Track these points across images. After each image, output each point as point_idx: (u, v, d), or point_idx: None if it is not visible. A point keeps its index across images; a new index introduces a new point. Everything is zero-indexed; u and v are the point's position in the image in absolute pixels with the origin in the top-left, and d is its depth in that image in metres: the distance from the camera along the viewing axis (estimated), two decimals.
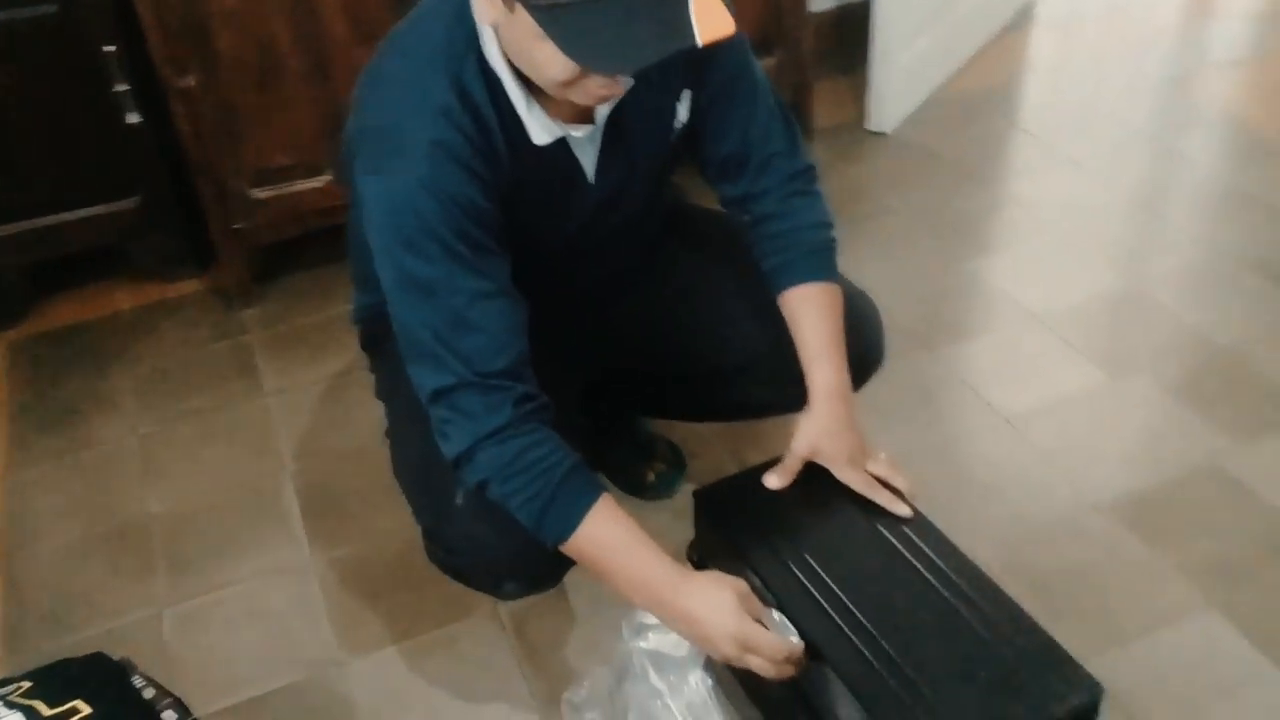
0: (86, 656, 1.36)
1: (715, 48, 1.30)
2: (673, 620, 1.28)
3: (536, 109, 1.28)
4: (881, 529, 1.37)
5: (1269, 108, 2.93)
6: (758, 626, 1.23)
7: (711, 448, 1.92)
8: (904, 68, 2.81)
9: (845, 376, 1.43)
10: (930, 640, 1.25)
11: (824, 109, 2.84)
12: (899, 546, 1.35)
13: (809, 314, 1.44)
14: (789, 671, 1.25)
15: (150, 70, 2.13)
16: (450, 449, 1.28)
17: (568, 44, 1.10)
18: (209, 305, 2.42)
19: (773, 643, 1.23)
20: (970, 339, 2.15)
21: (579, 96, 1.21)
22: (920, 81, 2.96)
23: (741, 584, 1.27)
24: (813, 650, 1.26)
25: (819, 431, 1.40)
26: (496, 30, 1.22)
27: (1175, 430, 1.94)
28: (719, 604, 1.24)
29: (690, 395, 1.74)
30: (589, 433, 1.53)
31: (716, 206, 1.56)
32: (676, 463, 1.90)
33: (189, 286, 2.48)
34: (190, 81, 2.12)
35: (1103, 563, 1.70)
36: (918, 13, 2.80)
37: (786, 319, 1.47)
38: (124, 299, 2.45)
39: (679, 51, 1.12)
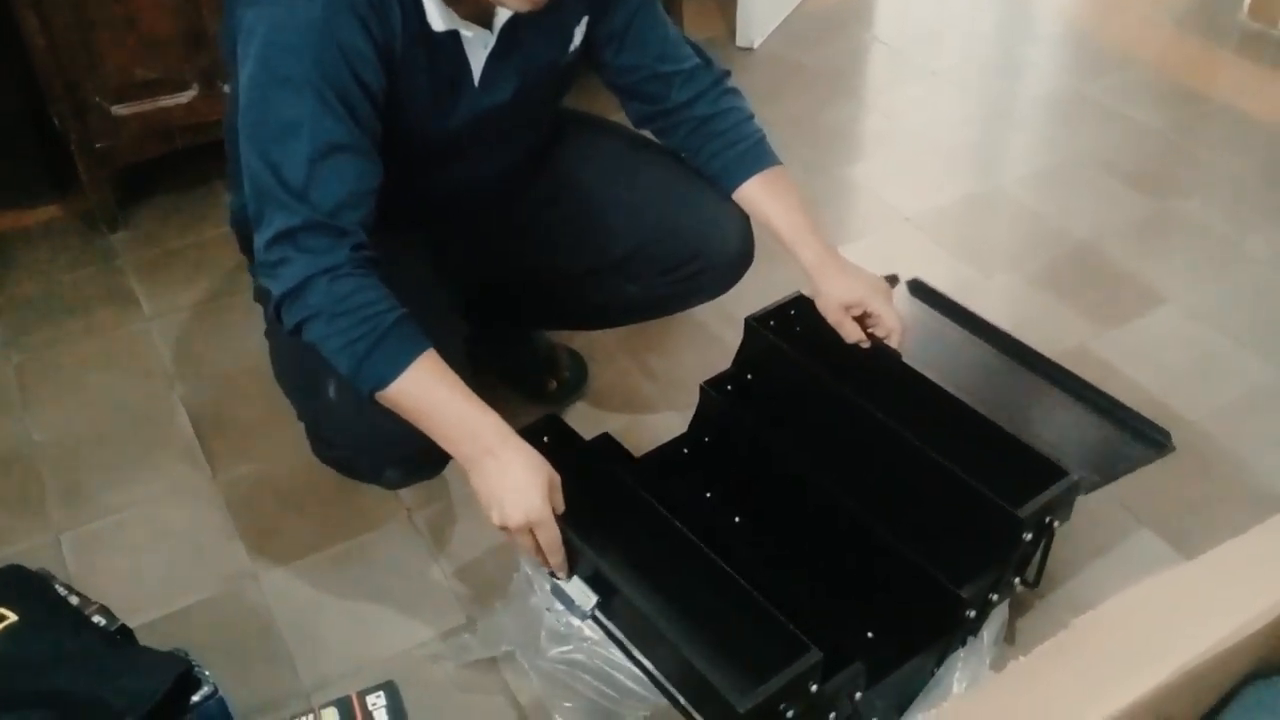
0: (2, 568, 1.31)
1: None
2: (486, 470, 1.25)
3: None
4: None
5: (1105, 21, 3.08)
6: (550, 513, 1.24)
7: (613, 354, 1.95)
8: None
9: (829, 247, 1.52)
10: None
11: (693, 26, 2.86)
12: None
13: (774, 201, 1.55)
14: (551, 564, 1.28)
15: None
16: (280, 285, 1.25)
17: None
18: (72, 231, 2.31)
19: (552, 534, 1.25)
20: (852, 241, 2.22)
21: None
22: None
23: (555, 476, 1.27)
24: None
25: (839, 284, 1.50)
26: None
27: (1044, 318, 2.05)
28: (532, 477, 1.24)
29: (566, 300, 1.75)
30: (471, 347, 1.54)
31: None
32: (578, 371, 1.92)
33: (47, 213, 2.35)
34: None
35: None
36: None
37: (750, 212, 1.57)
38: None
39: None
